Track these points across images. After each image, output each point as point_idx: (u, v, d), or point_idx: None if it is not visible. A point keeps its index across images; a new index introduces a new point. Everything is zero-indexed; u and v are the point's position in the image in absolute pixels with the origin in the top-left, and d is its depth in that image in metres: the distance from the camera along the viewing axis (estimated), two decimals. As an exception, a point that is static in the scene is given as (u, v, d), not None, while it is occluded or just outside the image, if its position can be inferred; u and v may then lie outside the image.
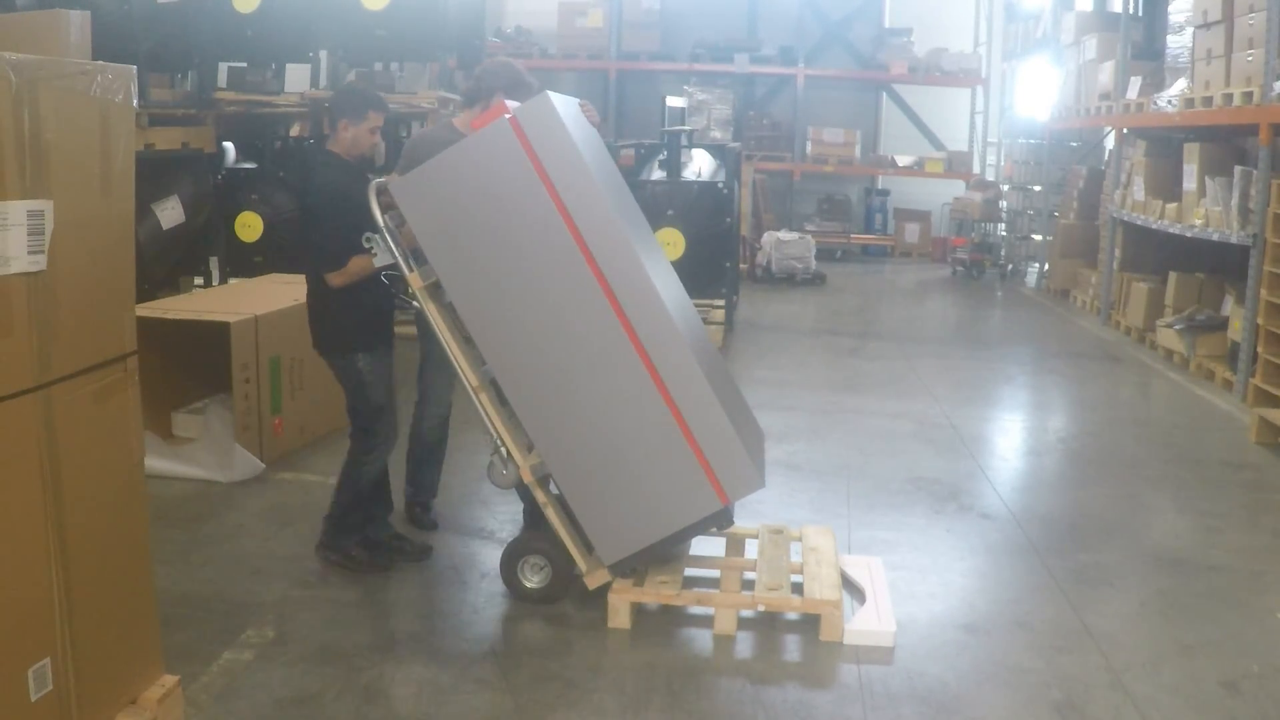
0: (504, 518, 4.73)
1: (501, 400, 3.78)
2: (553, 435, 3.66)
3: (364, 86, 4.10)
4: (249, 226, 8.27)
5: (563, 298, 3.58)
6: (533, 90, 4.40)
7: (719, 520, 3.77)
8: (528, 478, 3.74)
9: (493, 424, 3.75)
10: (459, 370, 3.76)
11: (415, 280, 3.72)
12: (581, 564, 3.79)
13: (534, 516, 4.15)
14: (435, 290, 3.76)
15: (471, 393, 3.75)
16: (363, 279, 3.88)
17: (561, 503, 3.80)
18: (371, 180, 3.82)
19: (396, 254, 3.73)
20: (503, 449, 3.75)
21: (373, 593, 3.97)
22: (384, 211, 3.74)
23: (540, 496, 3.78)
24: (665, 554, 3.88)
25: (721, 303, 9.48)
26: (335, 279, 3.86)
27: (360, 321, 3.99)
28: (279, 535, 4.51)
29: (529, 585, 3.89)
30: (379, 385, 4.04)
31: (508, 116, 3.54)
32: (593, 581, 3.80)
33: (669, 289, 3.83)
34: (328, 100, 4.66)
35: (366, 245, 3.80)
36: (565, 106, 3.70)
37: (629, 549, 3.71)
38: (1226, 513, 5.12)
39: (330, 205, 3.87)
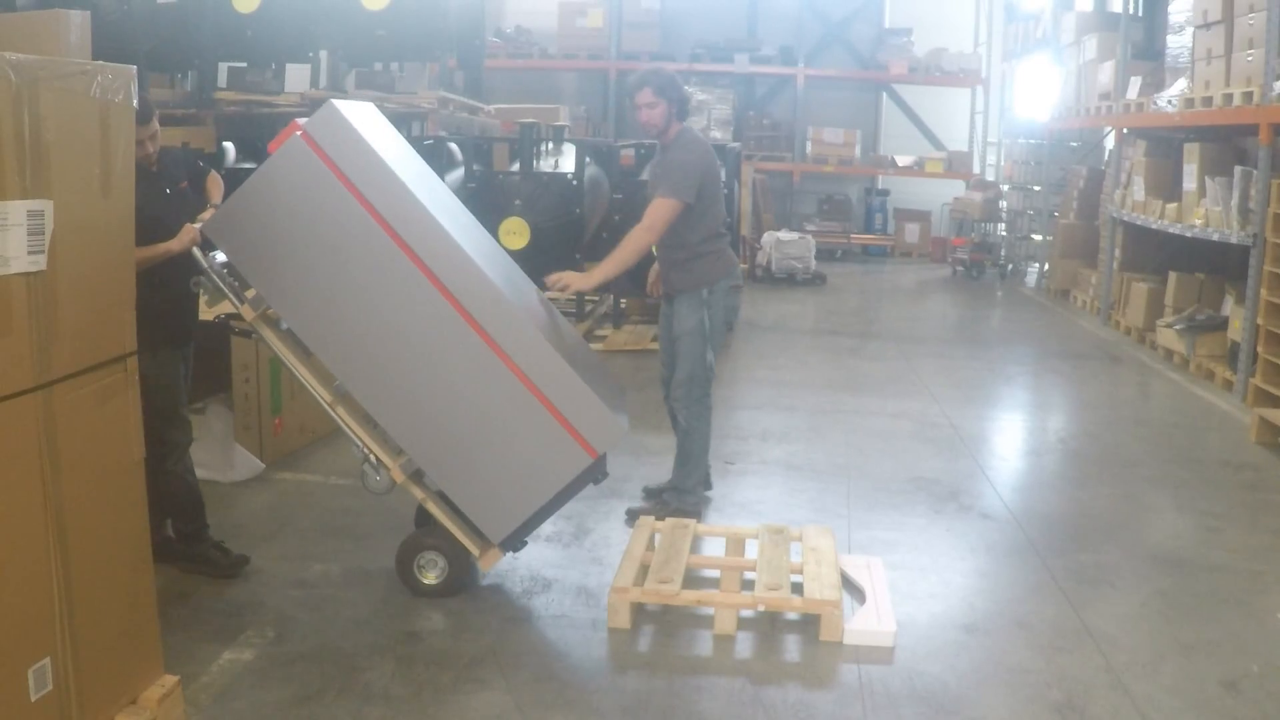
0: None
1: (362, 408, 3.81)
2: (414, 432, 3.71)
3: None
4: (249, 226, 8.26)
5: (391, 296, 3.61)
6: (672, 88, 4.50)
7: (594, 475, 3.84)
8: (399, 478, 3.78)
9: (355, 434, 3.79)
10: (310, 390, 3.79)
11: (247, 312, 3.73)
12: (473, 549, 3.83)
13: (423, 515, 4.18)
14: (268, 318, 3.78)
15: (328, 409, 3.78)
16: (157, 277, 3.76)
17: (440, 493, 3.84)
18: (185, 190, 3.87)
19: (225, 290, 3.73)
20: (371, 456, 3.79)
21: (372, 593, 3.97)
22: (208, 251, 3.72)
23: (418, 493, 3.83)
24: (549, 516, 3.91)
25: (721, 303, 9.47)
26: None
27: (141, 321, 3.92)
28: (279, 535, 4.51)
29: (429, 582, 3.91)
30: (163, 390, 3.91)
31: (299, 133, 3.54)
32: (487, 563, 3.85)
33: (499, 267, 3.89)
34: None
35: (195, 289, 3.80)
36: (358, 111, 3.74)
37: (513, 522, 3.77)
38: (1226, 513, 5.12)
39: None
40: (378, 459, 3.79)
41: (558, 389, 3.65)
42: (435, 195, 3.89)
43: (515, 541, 3.86)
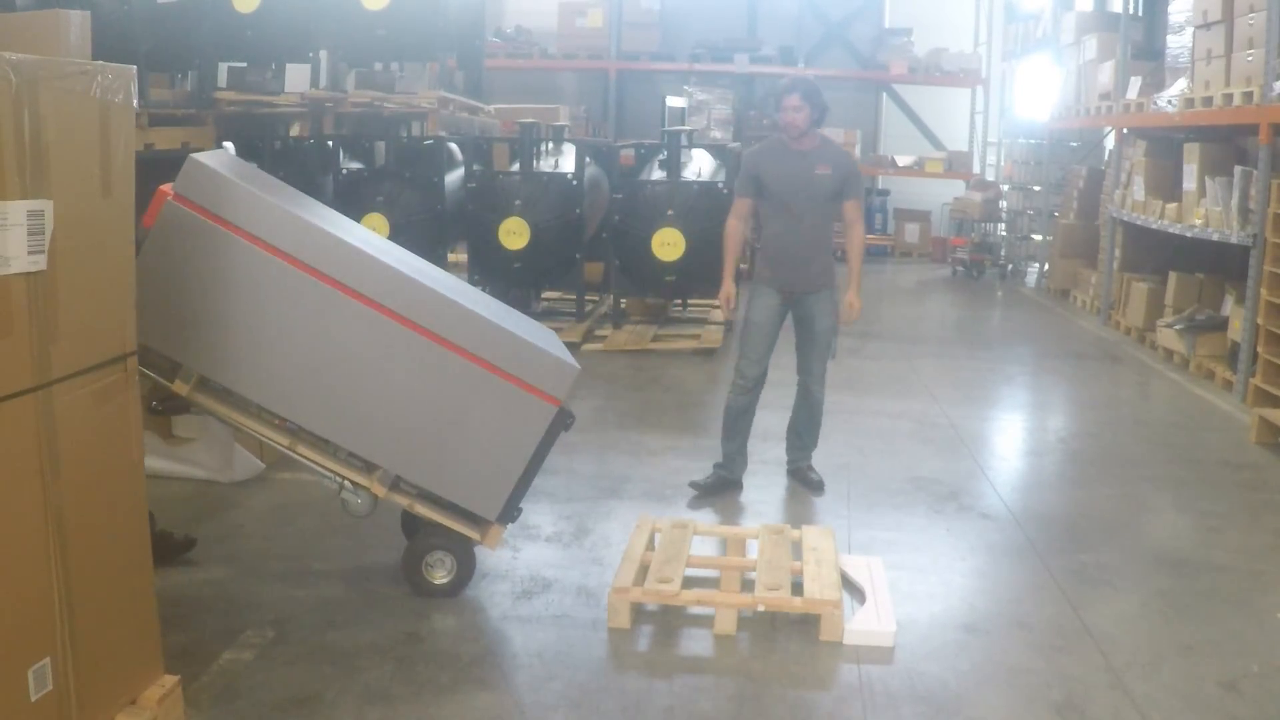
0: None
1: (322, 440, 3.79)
2: (381, 442, 3.71)
3: None
4: (249, 226, 8.24)
5: (311, 319, 3.59)
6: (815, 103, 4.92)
7: (563, 423, 3.87)
8: (381, 492, 3.77)
9: (323, 467, 3.78)
10: (267, 441, 3.77)
11: (180, 388, 3.66)
12: (473, 534, 3.85)
13: (409, 522, 4.21)
14: (203, 386, 3.70)
15: (288, 452, 3.76)
16: None
17: (419, 491, 3.85)
18: None
19: (151, 375, 3.64)
20: (346, 483, 3.79)
21: (372, 592, 3.97)
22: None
23: (402, 501, 3.82)
24: (534, 477, 3.92)
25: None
26: None
27: None
28: (279, 535, 4.51)
29: (441, 581, 3.92)
30: None
31: (171, 197, 3.51)
32: (492, 541, 3.87)
33: (404, 260, 3.91)
34: None
35: (156, 404, 3.75)
36: (221, 159, 3.75)
37: (503, 494, 3.80)
38: (1226, 513, 5.12)
39: None
40: (353, 483, 3.78)
41: (498, 351, 3.68)
42: (318, 212, 3.91)
43: (511, 512, 3.87)
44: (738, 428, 5.19)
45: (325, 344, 3.62)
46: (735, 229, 5.15)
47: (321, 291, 3.57)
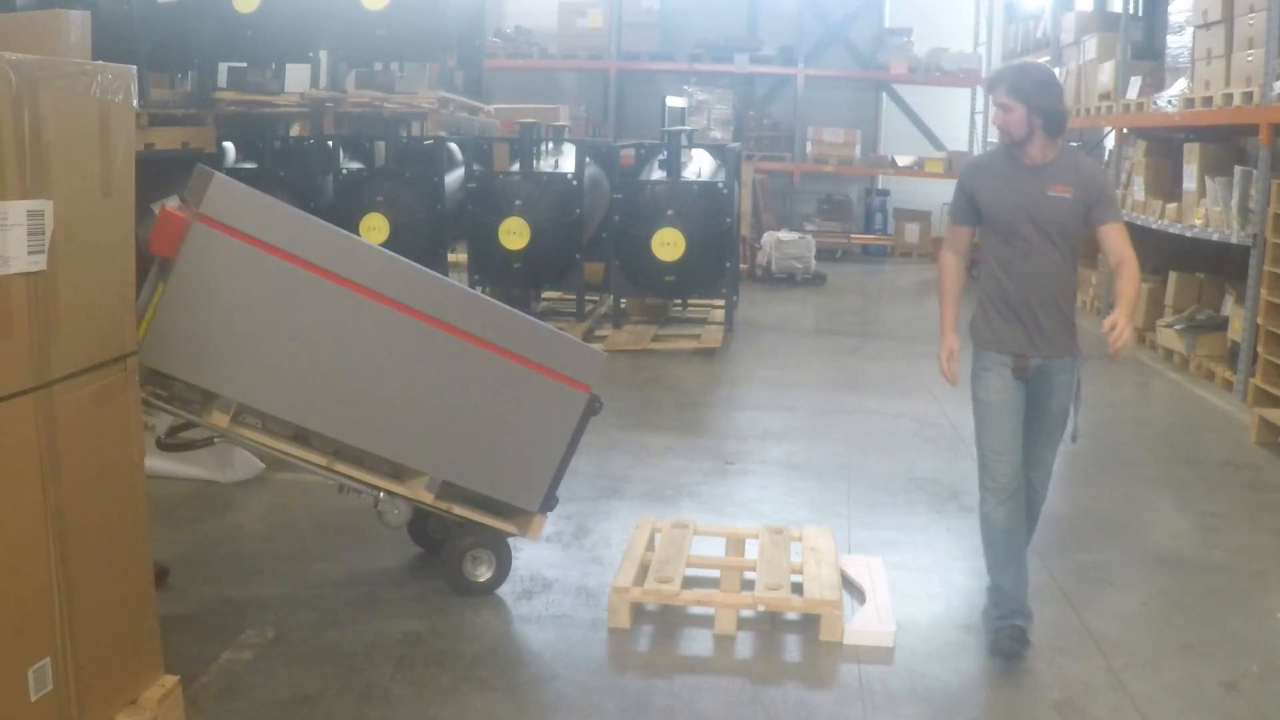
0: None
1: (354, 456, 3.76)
2: (427, 449, 3.71)
3: None
4: (249, 226, 8.23)
5: (350, 331, 3.55)
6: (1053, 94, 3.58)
7: (594, 409, 3.91)
8: (429, 499, 3.72)
9: (362, 482, 3.73)
10: (303, 464, 3.65)
11: (220, 420, 3.45)
12: (512, 528, 3.87)
13: (417, 531, 4.19)
14: (240, 415, 3.55)
15: (325, 472, 3.68)
16: None
17: (457, 492, 3.83)
18: None
19: (185, 414, 3.55)
20: (381, 494, 3.76)
21: (373, 592, 3.97)
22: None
23: (441, 505, 3.80)
24: (568, 465, 3.94)
25: (721, 303, 9.48)
26: None
27: None
28: (279, 535, 4.51)
29: (484, 579, 3.92)
30: None
31: (196, 218, 3.32)
32: (534, 532, 3.91)
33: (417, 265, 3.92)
34: None
35: (165, 438, 3.72)
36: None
37: (543, 485, 3.85)
38: (1226, 513, 5.12)
39: None
40: (389, 495, 3.74)
41: (525, 343, 3.73)
42: (329, 224, 3.87)
43: (550, 501, 3.91)
44: (1010, 549, 3.66)
45: (370, 357, 3.58)
46: (952, 265, 3.83)
47: (355, 301, 3.52)
